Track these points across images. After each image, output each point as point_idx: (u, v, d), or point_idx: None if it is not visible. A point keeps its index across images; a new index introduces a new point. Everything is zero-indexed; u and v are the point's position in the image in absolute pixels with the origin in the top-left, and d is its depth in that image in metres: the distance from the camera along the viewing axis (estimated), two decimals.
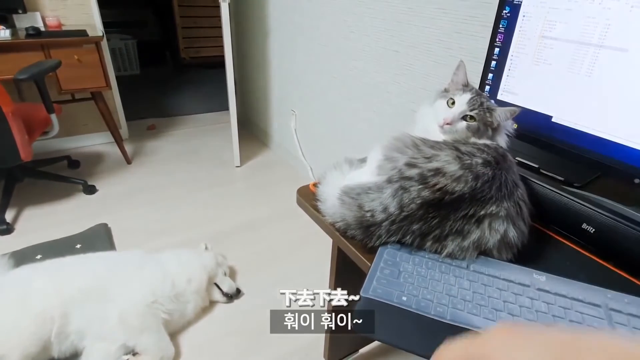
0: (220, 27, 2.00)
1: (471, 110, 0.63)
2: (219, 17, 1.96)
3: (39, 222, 1.79)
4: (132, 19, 4.26)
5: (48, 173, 2.01)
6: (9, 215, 1.79)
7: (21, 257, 1.46)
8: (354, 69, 1.63)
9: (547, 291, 0.49)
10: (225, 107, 3.29)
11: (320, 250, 1.70)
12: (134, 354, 1.14)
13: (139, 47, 4.09)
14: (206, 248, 1.52)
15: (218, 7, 1.92)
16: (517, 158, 0.72)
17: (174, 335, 1.25)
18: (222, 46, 2.12)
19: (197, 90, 3.77)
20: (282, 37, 2.18)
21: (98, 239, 1.67)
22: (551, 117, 0.69)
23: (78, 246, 1.61)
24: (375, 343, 1.27)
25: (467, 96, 0.64)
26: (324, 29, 1.77)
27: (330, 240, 1.75)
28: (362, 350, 1.24)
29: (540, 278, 0.51)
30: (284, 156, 2.54)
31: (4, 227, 1.69)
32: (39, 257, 1.52)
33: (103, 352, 1.12)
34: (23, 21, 1.99)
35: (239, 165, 2.41)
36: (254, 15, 2.44)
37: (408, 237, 0.55)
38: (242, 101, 3.01)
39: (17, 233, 1.71)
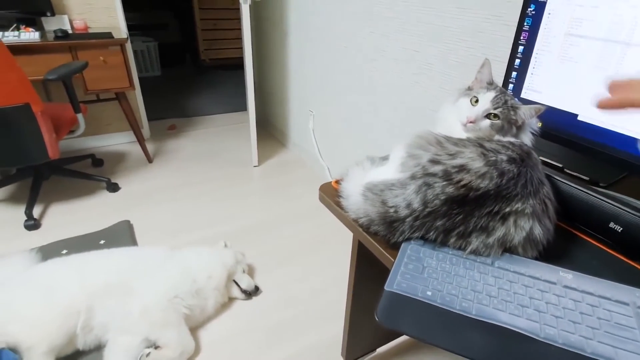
0: (239, 29, 2.05)
1: (495, 109, 0.63)
2: (238, 19, 2.00)
3: (64, 218, 1.85)
4: (154, 21, 4.36)
5: (73, 171, 2.08)
6: (36, 211, 1.85)
7: (48, 252, 1.52)
8: (373, 70, 1.64)
9: (574, 289, 0.49)
10: (244, 108, 3.36)
11: (337, 249, 1.71)
12: (156, 347, 1.17)
13: (160, 49, 4.18)
14: (225, 246, 1.54)
15: (237, 9, 1.96)
16: (540, 157, 0.72)
17: (194, 330, 1.28)
18: (240, 48, 2.16)
19: (216, 91, 3.83)
20: (301, 38, 2.20)
21: (121, 235, 1.71)
22: (577, 115, 0.69)
23: (102, 242, 1.66)
24: (392, 343, 1.27)
25: (492, 94, 0.64)
26: (343, 29, 1.78)
27: (348, 239, 1.76)
28: (380, 350, 1.24)
29: (566, 276, 0.51)
30: (301, 156, 2.55)
31: (32, 222, 1.75)
32: (64, 252, 1.58)
33: (126, 345, 1.15)
34: (51, 24, 2.07)
35: (257, 164, 2.44)
36: (274, 16, 2.47)
37: (432, 233, 0.55)
38: (260, 102, 3.04)
39: (44, 228, 1.78)
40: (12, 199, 1.98)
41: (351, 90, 1.84)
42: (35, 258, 1.37)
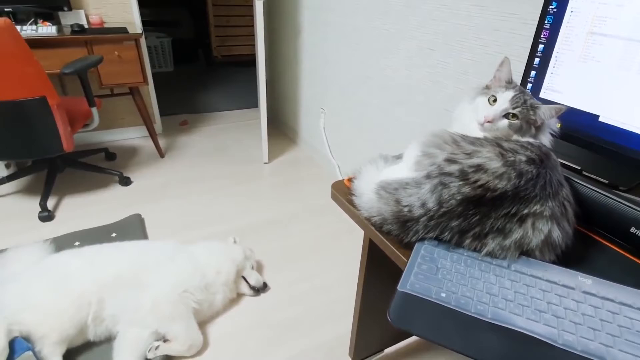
0: (251, 26, 2.05)
1: (514, 108, 0.61)
2: (251, 16, 2.00)
3: (77, 210, 1.88)
4: (168, 18, 4.39)
5: (87, 164, 2.10)
6: (50, 203, 1.88)
7: (61, 243, 1.54)
8: (386, 68, 1.62)
9: (594, 294, 0.47)
10: (255, 105, 3.36)
11: (346, 248, 1.70)
12: (165, 340, 1.18)
13: (173, 45, 4.22)
14: (235, 241, 1.55)
15: (251, 6, 1.96)
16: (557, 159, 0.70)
17: (202, 324, 1.28)
18: (252, 45, 2.17)
19: (227, 87, 3.85)
20: (313, 35, 2.20)
21: (132, 228, 1.73)
22: (598, 116, 0.67)
23: (113, 235, 1.68)
24: (401, 344, 1.26)
25: (510, 94, 0.63)
26: (356, 27, 1.77)
27: (357, 238, 1.75)
28: (387, 351, 1.23)
29: (586, 281, 0.49)
30: (311, 154, 2.55)
31: (46, 214, 1.78)
32: (77, 243, 1.60)
33: (136, 337, 1.16)
34: (68, 18, 2.10)
35: (267, 161, 2.44)
36: (286, 13, 2.46)
37: (446, 234, 0.54)
38: (271, 99, 3.05)
39: (57, 220, 1.80)
40: (27, 190, 2.02)
41: (363, 89, 1.82)
42: (49, 249, 1.39)
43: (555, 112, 0.61)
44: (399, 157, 0.75)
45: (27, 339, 1.02)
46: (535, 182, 0.52)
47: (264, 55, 2.14)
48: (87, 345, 1.18)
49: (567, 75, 0.70)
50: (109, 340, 1.19)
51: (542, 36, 0.72)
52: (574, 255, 0.55)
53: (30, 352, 0.99)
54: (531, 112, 0.61)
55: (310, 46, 2.26)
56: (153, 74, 2.60)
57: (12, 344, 0.97)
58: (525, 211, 0.51)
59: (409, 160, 0.63)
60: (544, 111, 0.61)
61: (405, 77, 1.52)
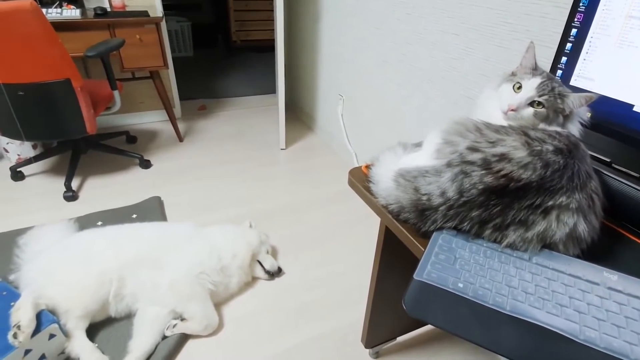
0: (271, 11, 2.02)
1: (540, 96, 0.59)
2: (270, 0, 1.96)
3: (100, 191, 1.93)
4: (188, 2, 4.39)
5: (109, 146, 2.15)
6: (74, 184, 1.94)
7: (84, 223, 1.59)
8: (407, 53, 1.58)
9: (620, 291, 0.46)
10: (272, 91, 3.35)
11: (361, 236, 1.70)
12: (182, 319, 1.21)
13: (193, 29, 4.22)
14: (250, 226, 1.56)
15: None
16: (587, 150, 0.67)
17: (218, 306, 1.31)
18: (271, 30, 2.15)
19: (246, 73, 3.84)
20: (333, 20, 2.16)
21: (152, 210, 1.77)
22: (633, 105, 0.63)
23: (134, 216, 1.72)
24: (413, 333, 1.26)
25: (537, 80, 0.60)
26: (377, 10, 1.72)
27: (372, 227, 1.74)
28: (400, 339, 1.23)
29: (611, 277, 0.47)
30: (328, 141, 2.54)
31: (70, 194, 1.84)
32: (99, 223, 1.65)
33: (154, 315, 1.19)
34: (91, 1, 2.12)
35: (284, 147, 2.45)
36: None
37: (466, 224, 0.53)
38: (289, 85, 3.03)
39: (81, 200, 1.86)
40: (53, 171, 2.08)
41: (383, 75, 1.79)
42: (73, 228, 1.44)
43: (585, 101, 0.58)
44: (418, 145, 0.74)
45: (52, 312, 1.07)
46: (562, 173, 0.50)
47: (283, 41, 2.11)
48: (109, 321, 1.22)
49: (601, 61, 0.67)
50: (129, 316, 1.23)
51: (575, 19, 0.69)
52: (600, 250, 0.53)
53: (55, 325, 1.03)
54: (559, 101, 0.58)
55: (329, 31, 2.22)
56: (173, 59, 2.62)
57: (39, 316, 1.02)
58: (550, 203, 0.50)
59: (429, 148, 0.61)
60: (572, 99, 0.58)
61: (427, 63, 1.48)
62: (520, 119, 0.60)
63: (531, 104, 0.59)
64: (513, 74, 0.65)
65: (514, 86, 0.62)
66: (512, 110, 0.60)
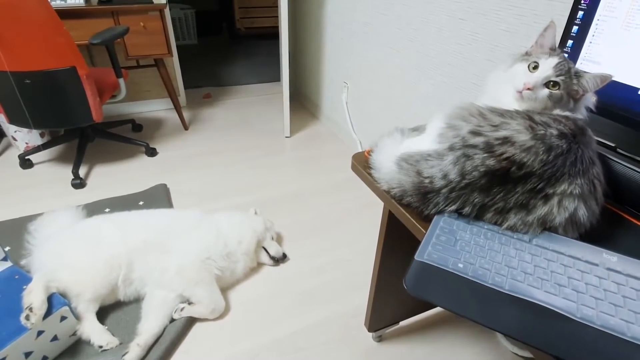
0: None
1: (557, 76, 0.57)
2: None
3: (107, 178, 1.95)
4: None
5: (115, 134, 2.16)
6: (81, 171, 1.97)
7: (92, 209, 1.62)
8: (413, 39, 1.57)
9: (619, 272, 0.46)
10: (277, 79, 3.34)
11: (364, 223, 1.71)
12: (189, 303, 1.24)
13: (197, 17, 4.19)
14: (255, 213, 1.58)
15: None
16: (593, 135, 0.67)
17: (224, 291, 1.34)
18: (275, 17, 2.13)
19: (250, 61, 3.82)
20: (337, 6, 2.13)
21: (158, 197, 1.79)
22: (638, 89, 0.63)
23: (141, 203, 1.75)
24: (416, 317, 1.28)
25: (554, 60, 0.59)
26: None
27: (376, 213, 1.74)
28: (403, 323, 1.25)
29: (611, 258, 0.48)
30: (333, 129, 2.53)
31: (78, 181, 1.86)
32: (107, 210, 1.67)
33: (162, 299, 1.22)
34: None
35: (288, 135, 2.45)
36: None
37: (467, 207, 0.53)
38: (294, 73, 3.02)
39: (88, 187, 1.89)
40: (60, 159, 2.11)
41: (388, 62, 1.78)
42: (81, 214, 1.46)
43: (601, 81, 0.57)
44: (415, 129, 0.74)
45: (63, 295, 1.10)
46: (565, 157, 0.50)
47: (287, 28, 2.10)
48: (118, 305, 1.25)
49: (607, 44, 0.66)
50: (137, 300, 1.26)
51: (582, 2, 0.68)
52: (602, 233, 0.53)
53: (67, 307, 1.06)
54: (574, 82, 0.57)
55: (334, 17, 2.20)
56: (177, 47, 2.61)
57: (50, 299, 1.04)
58: (552, 187, 0.50)
59: (432, 132, 0.61)
60: (588, 79, 0.57)
61: (433, 49, 1.46)
62: (535, 100, 0.59)
63: (547, 84, 0.59)
64: (527, 54, 0.64)
65: (529, 65, 0.61)
66: (528, 89, 0.58)
